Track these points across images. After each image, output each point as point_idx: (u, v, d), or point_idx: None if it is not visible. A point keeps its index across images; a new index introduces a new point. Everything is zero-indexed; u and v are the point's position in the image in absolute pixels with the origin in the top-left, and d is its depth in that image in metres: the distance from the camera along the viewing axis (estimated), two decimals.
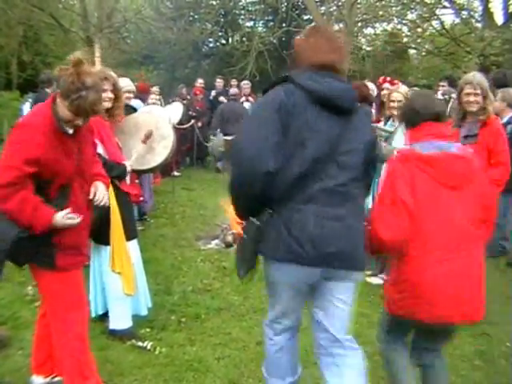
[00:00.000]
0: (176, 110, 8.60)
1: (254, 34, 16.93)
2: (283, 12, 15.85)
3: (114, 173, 3.50)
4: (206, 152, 11.03)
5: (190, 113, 10.74)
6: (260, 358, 3.46)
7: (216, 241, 6.06)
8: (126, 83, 4.83)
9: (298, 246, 2.28)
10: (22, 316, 3.95)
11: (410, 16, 15.54)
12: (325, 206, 2.31)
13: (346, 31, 14.19)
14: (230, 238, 5.92)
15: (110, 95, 3.57)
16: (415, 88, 6.87)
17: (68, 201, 2.60)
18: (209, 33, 18.05)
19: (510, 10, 13.87)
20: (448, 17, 16.21)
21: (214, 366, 3.38)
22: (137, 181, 4.31)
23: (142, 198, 5.42)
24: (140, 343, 3.59)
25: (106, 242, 3.51)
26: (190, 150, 10.99)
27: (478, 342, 3.85)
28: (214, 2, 18.37)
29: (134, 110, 5.10)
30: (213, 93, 11.83)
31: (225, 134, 9.69)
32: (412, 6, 14.34)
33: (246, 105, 10.73)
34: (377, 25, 16.91)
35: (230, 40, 19.97)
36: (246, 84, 11.21)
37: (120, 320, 3.63)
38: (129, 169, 3.69)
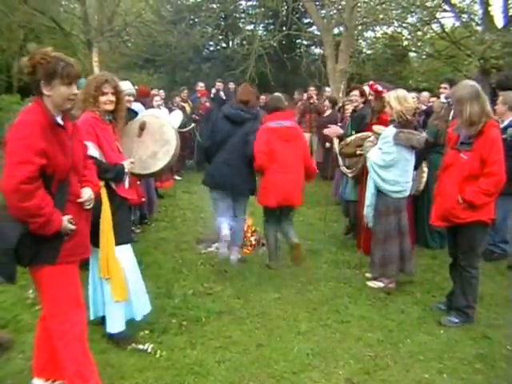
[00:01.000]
0: (176, 117, 8.61)
1: (254, 38, 16.95)
2: (283, 15, 15.88)
3: (110, 175, 3.48)
4: None
5: (194, 116, 10.82)
6: (261, 361, 3.48)
7: (217, 244, 6.05)
8: (126, 86, 4.85)
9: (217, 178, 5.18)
10: (23, 319, 3.95)
11: (411, 19, 15.51)
12: (226, 158, 5.12)
13: (346, 34, 14.24)
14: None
15: (112, 98, 3.54)
16: (413, 92, 6.87)
17: (67, 196, 2.67)
18: (209, 36, 18.13)
19: (510, 14, 13.88)
20: (448, 20, 16.22)
21: (214, 370, 3.38)
22: (138, 182, 4.29)
23: (143, 199, 5.43)
24: (141, 346, 3.59)
25: (97, 246, 3.50)
26: (190, 153, 11.02)
27: (478, 345, 3.84)
28: (215, 6, 18.43)
29: (135, 113, 5.11)
30: (213, 90, 12.09)
31: None
32: (412, 10, 14.30)
33: None
34: (377, 28, 16.89)
35: (231, 43, 20.06)
36: None
37: (115, 324, 3.61)
38: (127, 168, 3.63)
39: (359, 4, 14.13)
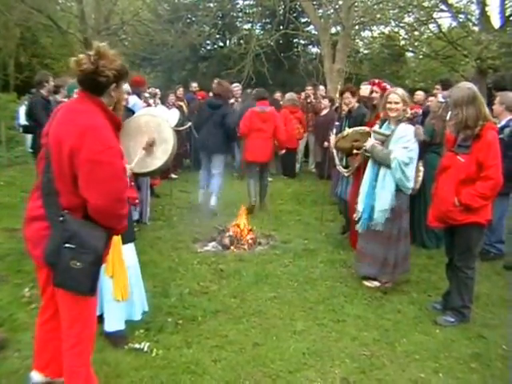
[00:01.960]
0: (172, 116, 8.57)
1: (251, 37, 16.95)
2: (281, 15, 15.83)
3: None
4: None
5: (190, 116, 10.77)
6: (257, 361, 3.48)
7: (213, 243, 6.06)
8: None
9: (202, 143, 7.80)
10: (18, 318, 3.95)
11: (407, 19, 15.56)
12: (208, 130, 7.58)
13: (343, 34, 14.25)
14: (226, 241, 5.93)
15: None
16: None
17: None
18: (206, 35, 18.07)
19: (506, 14, 13.93)
20: (445, 20, 16.31)
21: (210, 369, 3.38)
22: (133, 183, 4.28)
23: (137, 201, 5.40)
24: (137, 345, 3.59)
25: None
26: (187, 152, 10.99)
27: (474, 344, 3.85)
28: (212, 5, 18.39)
29: (132, 112, 5.07)
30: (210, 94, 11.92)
31: None
32: (409, 10, 14.34)
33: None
34: (374, 28, 16.91)
35: (228, 42, 20.00)
36: (236, 87, 11.23)
37: (114, 322, 3.62)
38: (129, 173, 3.62)
39: (356, 3, 14.15)
